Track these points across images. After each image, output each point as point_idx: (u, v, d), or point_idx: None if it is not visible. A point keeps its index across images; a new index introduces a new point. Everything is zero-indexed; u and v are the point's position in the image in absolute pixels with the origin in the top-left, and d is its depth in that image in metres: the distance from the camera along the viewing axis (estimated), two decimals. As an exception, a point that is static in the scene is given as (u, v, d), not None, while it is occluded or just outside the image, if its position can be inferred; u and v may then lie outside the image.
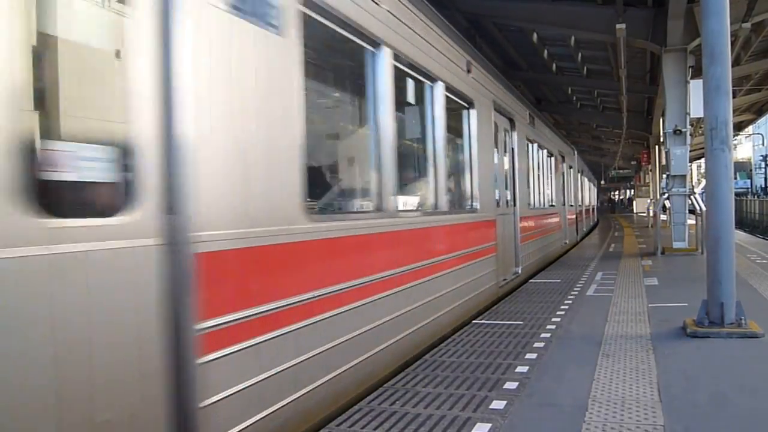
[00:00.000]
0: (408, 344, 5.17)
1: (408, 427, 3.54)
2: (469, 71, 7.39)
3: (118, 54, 2.72)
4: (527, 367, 4.66)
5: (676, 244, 13.72)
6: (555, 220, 15.05)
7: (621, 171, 55.96)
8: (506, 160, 9.71)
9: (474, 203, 7.50)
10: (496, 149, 8.72)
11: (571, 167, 20.15)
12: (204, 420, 2.77)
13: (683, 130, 13.27)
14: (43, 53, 2.45)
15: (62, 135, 2.51)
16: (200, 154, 2.83)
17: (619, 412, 3.64)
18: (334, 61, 4.62)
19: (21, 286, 2.11)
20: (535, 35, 17.22)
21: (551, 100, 27.57)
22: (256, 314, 3.17)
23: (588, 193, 30.59)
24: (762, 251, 13.20)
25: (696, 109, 12.51)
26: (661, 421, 3.47)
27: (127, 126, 2.56)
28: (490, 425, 3.51)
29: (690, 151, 13.89)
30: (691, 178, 20.08)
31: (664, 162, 16.86)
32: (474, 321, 6.65)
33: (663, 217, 16.52)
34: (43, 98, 2.46)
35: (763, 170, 58.96)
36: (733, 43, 13.80)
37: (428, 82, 6.09)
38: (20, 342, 2.09)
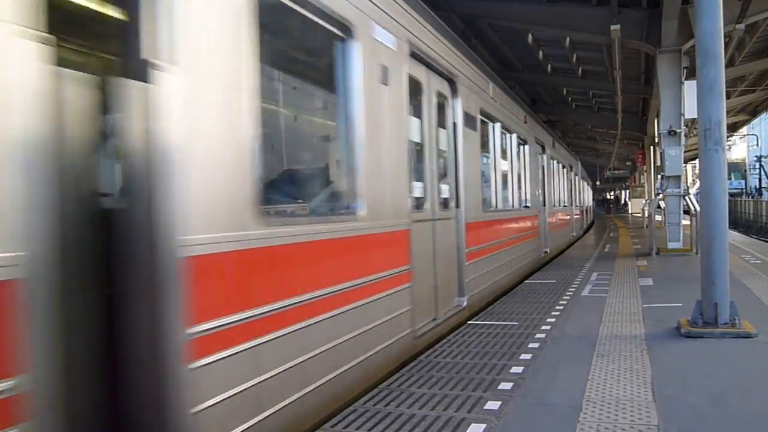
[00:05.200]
0: (522, 271, 10.68)
1: (403, 427, 3.54)
2: (525, 122, 12.00)
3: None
4: (522, 368, 4.66)
5: (671, 245, 13.75)
6: (567, 217, 19.55)
7: (616, 171, 56.05)
8: (539, 173, 13.61)
9: (527, 203, 11.87)
10: (535, 167, 12.94)
11: (576, 175, 24.31)
12: (465, 284, 7.07)
13: (678, 130, 13.31)
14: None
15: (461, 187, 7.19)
16: (463, 195, 7.04)
17: (614, 412, 3.65)
18: (484, 134, 8.58)
19: (443, 226, 6.59)
20: (530, 36, 17.23)
21: (546, 100, 27.62)
22: (483, 247, 7.89)
23: (586, 195, 32.77)
24: (756, 251, 13.25)
25: (690, 110, 12.55)
26: (655, 420, 3.48)
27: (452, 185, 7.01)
28: (484, 426, 3.51)
29: (685, 151, 13.93)
30: (686, 178, 20.00)
31: (659, 163, 16.91)
32: (469, 322, 6.65)
33: (658, 217, 16.56)
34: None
35: (758, 171, 59.14)
36: (727, 44, 13.86)
37: (509, 134, 10.43)
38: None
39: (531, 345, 5.40)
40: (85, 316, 2.60)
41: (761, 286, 8.23)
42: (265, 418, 3.23)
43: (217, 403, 2.89)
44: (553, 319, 6.54)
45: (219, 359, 2.90)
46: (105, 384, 2.66)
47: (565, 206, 19.00)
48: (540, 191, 13.52)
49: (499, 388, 4.19)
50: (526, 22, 15.58)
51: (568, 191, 20.55)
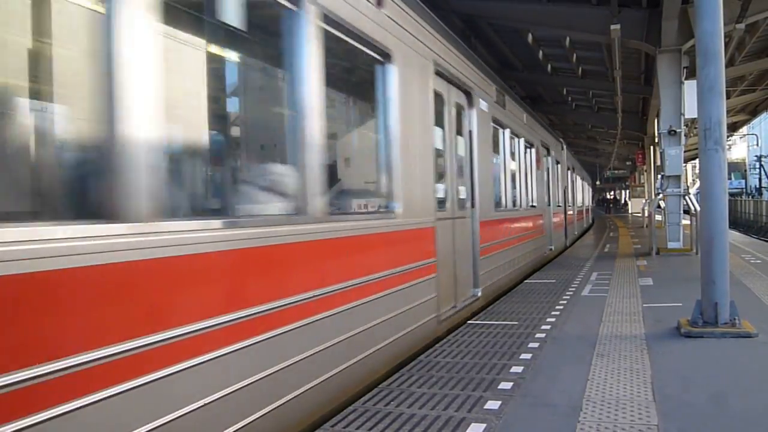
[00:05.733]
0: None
1: (403, 427, 3.54)
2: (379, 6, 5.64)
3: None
4: (522, 368, 4.66)
5: (671, 245, 13.75)
6: (536, 223, 13.11)
7: (616, 171, 56.08)
8: (455, 147, 7.40)
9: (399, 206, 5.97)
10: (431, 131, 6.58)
11: (559, 163, 17.37)
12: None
13: (678, 130, 13.31)
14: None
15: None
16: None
17: (614, 412, 3.65)
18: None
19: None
20: (530, 36, 17.24)
21: (546, 100, 27.60)
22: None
23: (579, 193, 26.26)
24: (756, 251, 13.25)
25: (690, 110, 12.56)
26: (654, 420, 3.48)
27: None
28: (484, 425, 3.51)
29: (685, 151, 13.93)
30: (686, 178, 19.63)
31: (659, 162, 16.91)
32: (469, 321, 6.65)
33: (658, 217, 16.56)
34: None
35: (758, 171, 59.15)
36: (727, 44, 13.85)
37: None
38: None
39: (531, 345, 5.39)
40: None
41: (761, 285, 8.22)
42: None
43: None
44: (553, 319, 6.53)
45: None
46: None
47: (533, 207, 12.60)
48: (465, 181, 7.67)
49: (499, 387, 4.19)
50: (526, 22, 15.58)
51: (542, 184, 14.09)
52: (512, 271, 9.98)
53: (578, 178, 24.63)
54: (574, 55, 18.81)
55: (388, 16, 5.22)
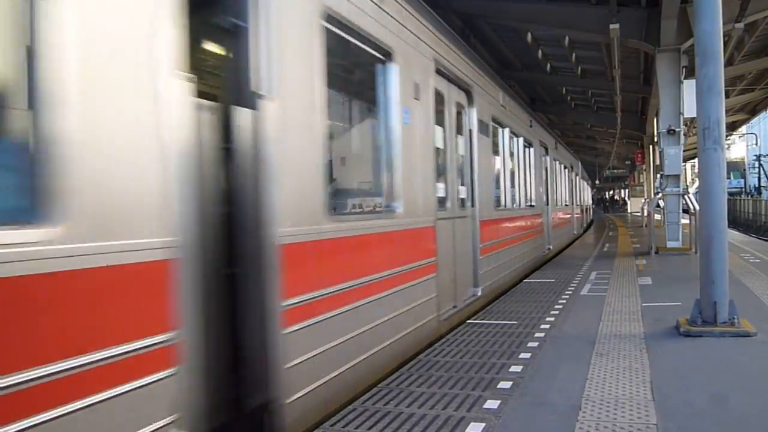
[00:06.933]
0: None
1: (402, 426, 3.54)
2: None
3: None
4: (521, 367, 4.67)
5: (670, 244, 13.76)
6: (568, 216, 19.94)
7: (615, 171, 56.08)
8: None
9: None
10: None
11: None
12: None
13: (677, 129, 13.32)
14: None
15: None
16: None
17: (612, 411, 3.65)
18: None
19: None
20: (529, 35, 17.24)
21: (546, 100, 27.61)
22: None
23: (583, 193, 26.87)
24: (755, 250, 13.26)
25: (689, 109, 12.56)
26: (654, 420, 3.48)
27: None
28: (483, 425, 3.51)
29: (684, 150, 13.93)
30: (685, 177, 19.69)
31: (658, 162, 16.92)
32: (468, 321, 6.65)
33: (657, 216, 16.57)
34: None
35: (757, 170, 59.13)
36: (726, 43, 13.86)
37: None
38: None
39: (530, 344, 5.40)
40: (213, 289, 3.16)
41: (760, 285, 8.23)
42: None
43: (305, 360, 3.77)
44: (552, 318, 6.54)
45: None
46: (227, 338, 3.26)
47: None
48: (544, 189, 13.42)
49: (498, 387, 4.20)
50: (525, 21, 15.57)
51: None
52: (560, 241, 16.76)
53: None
54: (573, 55, 18.81)
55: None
